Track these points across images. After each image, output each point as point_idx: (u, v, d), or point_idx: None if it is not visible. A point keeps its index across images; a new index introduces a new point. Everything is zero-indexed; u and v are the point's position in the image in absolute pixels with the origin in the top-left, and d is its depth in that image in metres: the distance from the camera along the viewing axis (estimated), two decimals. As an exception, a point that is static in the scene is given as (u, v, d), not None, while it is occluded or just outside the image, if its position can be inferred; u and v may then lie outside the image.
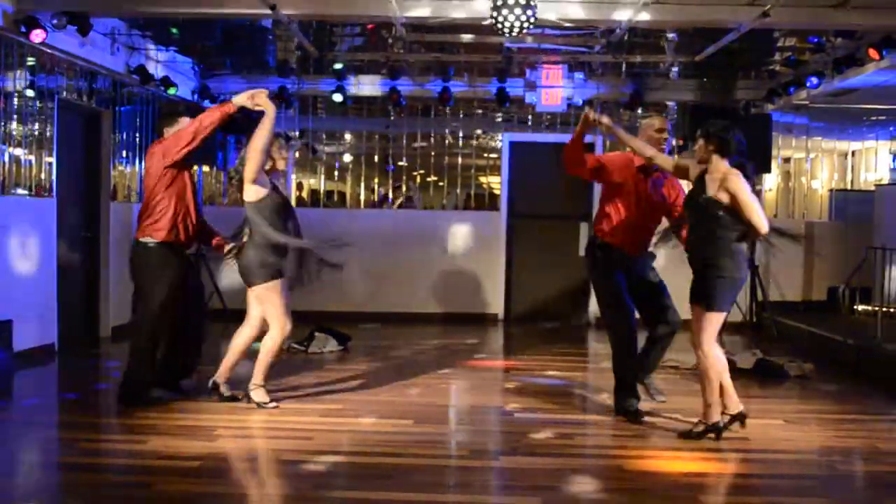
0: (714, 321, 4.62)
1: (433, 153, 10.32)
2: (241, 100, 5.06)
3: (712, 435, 4.67)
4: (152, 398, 5.26)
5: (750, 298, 9.31)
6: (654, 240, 5.39)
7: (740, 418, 4.71)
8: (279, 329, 5.17)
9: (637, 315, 5.23)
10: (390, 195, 10.59)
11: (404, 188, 10.47)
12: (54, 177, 7.08)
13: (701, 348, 4.64)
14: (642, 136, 5.21)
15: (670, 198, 5.22)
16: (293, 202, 8.10)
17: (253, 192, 5.09)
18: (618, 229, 5.13)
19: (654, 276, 5.35)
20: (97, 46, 7.70)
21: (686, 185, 4.94)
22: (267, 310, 5.18)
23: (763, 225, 4.49)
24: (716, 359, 4.63)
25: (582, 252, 9.85)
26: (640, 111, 9.98)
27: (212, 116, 5.09)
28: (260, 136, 5.02)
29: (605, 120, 5.00)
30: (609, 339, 5.32)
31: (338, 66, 9.43)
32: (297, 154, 5.17)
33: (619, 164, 5.16)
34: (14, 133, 6.56)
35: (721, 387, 4.67)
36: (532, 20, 6.03)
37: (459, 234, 10.04)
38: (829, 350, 7.56)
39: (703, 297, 4.63)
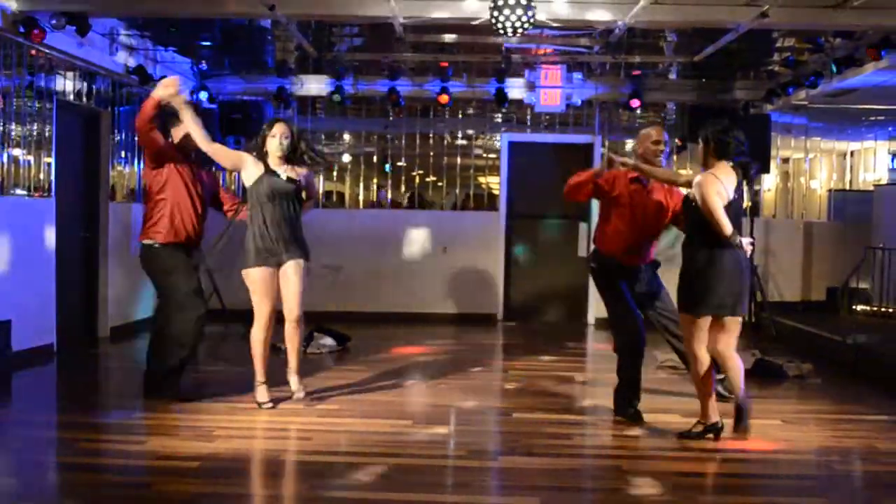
0: (694, 324, 4.64)
1: (432, 153, 10.33)
2: (157, 92, 5.07)
3: (711, 435, 4.68)
4: (167, 394, 5.36)
5: (749, 299, 9.30)
6: (658, 247, 5.40)
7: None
8: (256, 319, 5.19)
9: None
10: (388, 194, 10.58)
11: (403, 188, 10.47)
12: (53, 177, 7.07)
13: (689, 350, 4.70)
14: (640, 147, 5.24)
15: (668, 204, 5.21)
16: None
17: (245, 179, 5.21)
18: (615, 241, 5.20)
19: (657, 284, 5.34)
20: (96, 47, 7.70)
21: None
22: (252, 297, 5.22)
23: (724, 228, 4.41)
24: (702, 361, 4.66)
25: (581, 252, 9.97)
26: (638, 111, 10.00)
27: (141, 113, 5.12)
28: (195, 137, 5.07)
29: (631, 162, 5.03)
30: (614, 339, 5.34)
31: (337, 66, 9.45)
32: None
33: (614, 179, 5.17)
34: (13, 133, 6.56)
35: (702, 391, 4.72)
36: (531, 20, 6.03)
37: (458, 234, 10.05)
38: (828, 350, 7.57)
39: (681, 299, 4.70)
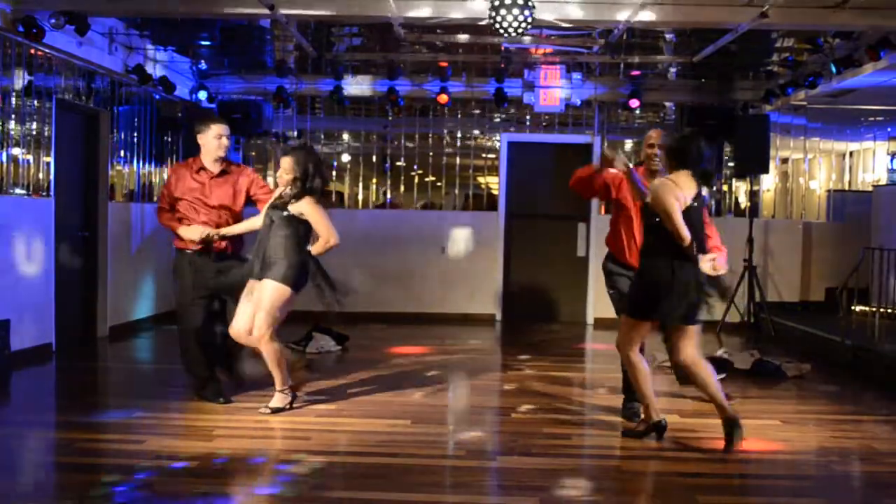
0: (626, 323, 4.67)
1: (431, 153, 10.33)
2: (185, 235, 5.34)
3: (654, 434, 4.72)
4: (205, 394, 5.44)
5: (748, 299, 9.32)
6: None
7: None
8: None
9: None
10: (388, 193, 10.58)
11: (402, 188, 10.47)
12: (52, 176, 7.07)
13: (619, 352, 4.75)
14: (642, 150, 5.27)
15: None
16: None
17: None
18: (620, 243, 5.24)
19: None
20: (95, 46, 7.70)
21: None
22: None
23: (681, 233, 4.35)
24: (632, 362, 4.66)
25: (580, 252, 9.98)
26: (637, 112, 10.00)
27: (167, 223, 5.44)
28: (245, 231, 5.43)
29: (622, 164, 4.84)
30: None
31: (336, 66, 9.46)
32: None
33: (620, 181, 5.17)
34: (12, 133, 6.55)
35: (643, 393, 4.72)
36: (531, 20, 6.03)
37: (457, 234, 10.06)
38: (827, 350, 7.57)
39: (628, 299, 4.73)
